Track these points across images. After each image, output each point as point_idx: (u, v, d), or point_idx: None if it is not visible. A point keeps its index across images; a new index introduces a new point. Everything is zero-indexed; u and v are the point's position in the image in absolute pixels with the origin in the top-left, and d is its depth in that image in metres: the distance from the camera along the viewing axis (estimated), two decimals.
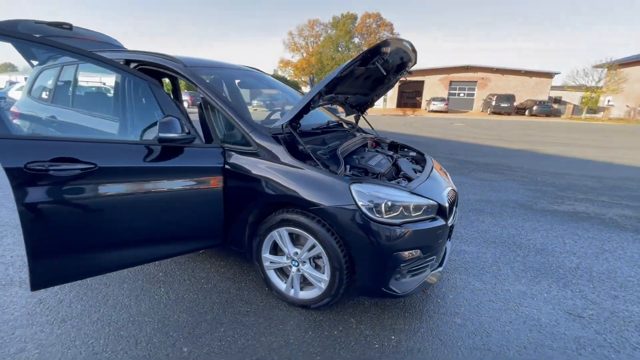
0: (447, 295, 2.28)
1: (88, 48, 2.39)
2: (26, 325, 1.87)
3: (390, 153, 2.75)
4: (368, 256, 1.81)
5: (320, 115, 3.08)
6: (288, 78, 42.19)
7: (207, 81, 2.27)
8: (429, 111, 28.88)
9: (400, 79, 2.93)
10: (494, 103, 26.51)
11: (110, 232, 1.81)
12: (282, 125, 2.03)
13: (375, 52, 2.16)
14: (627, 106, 25.79)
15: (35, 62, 3.18)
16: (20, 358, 1.65)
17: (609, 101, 28.02)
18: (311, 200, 1.84)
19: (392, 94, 33.76)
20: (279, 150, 1.98)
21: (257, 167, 2.00)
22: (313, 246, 1.92)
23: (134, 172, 1.81)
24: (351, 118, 3.34)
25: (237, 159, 2.06)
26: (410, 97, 34.95)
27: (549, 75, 28.99)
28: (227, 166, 2.07)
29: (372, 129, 3.38)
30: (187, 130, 1.86)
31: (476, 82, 30.99)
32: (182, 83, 3.17)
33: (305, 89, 35.62)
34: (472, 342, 1.85)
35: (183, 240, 2.08)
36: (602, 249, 3.05)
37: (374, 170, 2.19)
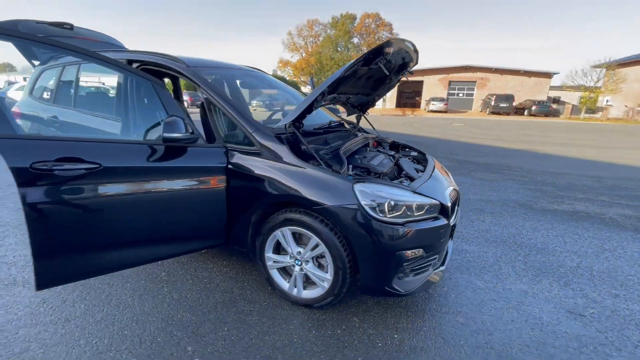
0: (449, 294, 2.29)
1: (89, 48, 2.39)
2: (30, 325, 1.87)
3: (392, 153, 2.76)
4: (371, 255, 1.82)
5: (322, 115, 3.09)
6: (287, 78, 42.15)
7: (210, 81, 2.27)
8: (428, 111, 28.92)
9: (401, 79, 2.94)
10: (493, 103, 26.56)
11: (114, 231, 1.82)
12: (286, 125, 2.04)
13: (378, 52, 2.17)
14: (626, 106, 25.86)
15: (36, 62, 3.19)
16: (25, 357, 1.65)
17: (607, 101, 28.10)
18: (314, 200, 1.85)
19: (392, 94, 33.77)
20: (282, 150, 1.99)
21: (260, 166, 2.01)
22: (316, 245, 1.93)
23: (138, 172, 1.82)
24: (352, 118, 3.35)
25: (240, 159, 2.07)
26: (409, 97, 34.98)
27: (548, 75, 29.05)
28: (230, 166, 2.07)
29: (374, 128, 3.39)
30: (190, 130, 1.87)
31: (475, 82, 31.04)
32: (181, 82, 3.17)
33: (305, 89, 35.65)
34: (475, 340, 1.86)
35: (186, 240, 2.09)
36: (602, 248, 3.07)
37: (376, 169, 2.20)
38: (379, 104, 33.40)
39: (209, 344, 1.78)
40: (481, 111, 29.40)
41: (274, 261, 2.13)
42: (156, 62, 2.29)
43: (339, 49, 42.17)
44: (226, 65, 2.93)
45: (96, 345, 1.74)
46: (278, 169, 1.96)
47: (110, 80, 2.88)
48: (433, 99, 28.91)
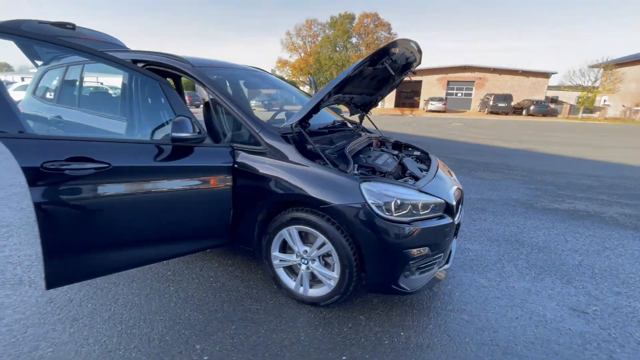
0: (453, 292, 2.32)
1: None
2: (38, 324, 1.87)
3: (395, 152, 2.78)
4: (378, 254, 1.84)
5: (326, 115, 3.11)
6: (286, 78, 42.14)
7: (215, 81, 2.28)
8: (427, 111, 28.98)
9: (404, 79, 2.96)
10: (491, 103, 26.65)
11: (122, 230, 1.83)
12: (292, 124, 2.05)
13: (384, 52, 2.19)
14: (623, 106, 26.02)
15: (39, 62, 3.19)
16: (35, 356, 1.66)
17: (605, 101, 28.26)
18: (321, 199, 1.86)
19: (390, 94, 33.74)
20: (289, 150, 2.00)
21: (266, 166, 2.02)
22: (323, 244, 1.94)
23: (146, 172, 1.83)
24: (355, 118, 3.37)
25: (246, 158, 2.08)
26: (408, 97, 35.03)
27: (546, 75, 29.18)
28: (236, 165, 2.09)
29: (377, 128, 3.41)
30: (198, 130, 1.88)
31: (474, 82, 31.14)
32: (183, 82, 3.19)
33: (303, 89, 35.60)
34: (480, 338, 1.88)
35: (192, 239, 2.10)
36: (603, 246, 3.10)
37: (381, 169, 2.21)
38: (378, 104, 33.53)
39: (217, 342, 1.79)
40: (479, 111, 29.50)
41: (280, 260, 2.15)
42: (161, 62, 2.30)
43: (338, 49, 42.20)
44: (230, 65, 2.94)
45: (105, 344, 1.75)
46: (284, 168, 1.98)
47: (114, 81, 2.88)
48: (432, 99, 28.98)
